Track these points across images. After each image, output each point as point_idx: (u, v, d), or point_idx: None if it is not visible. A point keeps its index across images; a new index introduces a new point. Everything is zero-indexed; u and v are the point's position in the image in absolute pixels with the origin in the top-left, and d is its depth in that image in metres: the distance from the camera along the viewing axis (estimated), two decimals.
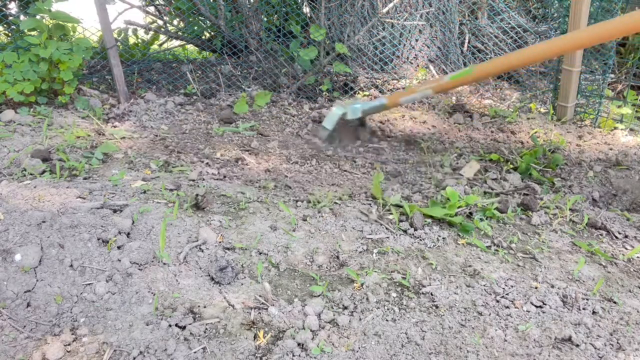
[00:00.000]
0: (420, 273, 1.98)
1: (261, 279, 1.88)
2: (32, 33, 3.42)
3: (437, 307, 1.80)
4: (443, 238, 2.24)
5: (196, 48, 5.54)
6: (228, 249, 2.01)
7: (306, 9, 5.00)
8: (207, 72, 4.44)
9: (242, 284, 1.83)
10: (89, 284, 1.74)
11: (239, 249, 2.01)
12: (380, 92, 4.27)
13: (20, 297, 1.65)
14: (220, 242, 2.03)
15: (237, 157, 2.96)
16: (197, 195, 2.26)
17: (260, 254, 2.01)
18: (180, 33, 5.06)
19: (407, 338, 1.64)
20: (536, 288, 1.92)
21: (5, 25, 4.40)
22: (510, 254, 2.17)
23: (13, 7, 4.48)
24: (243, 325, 1.64)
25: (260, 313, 1.70)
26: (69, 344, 1.52)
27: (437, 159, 3.10)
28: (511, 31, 4.83)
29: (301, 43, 4.50)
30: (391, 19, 4.41)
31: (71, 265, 1.79)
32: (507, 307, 1.81)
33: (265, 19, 4.93)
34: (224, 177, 2.67)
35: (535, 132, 3.45)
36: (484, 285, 1.92)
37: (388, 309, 1.76)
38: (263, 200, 2.42)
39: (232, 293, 1.78)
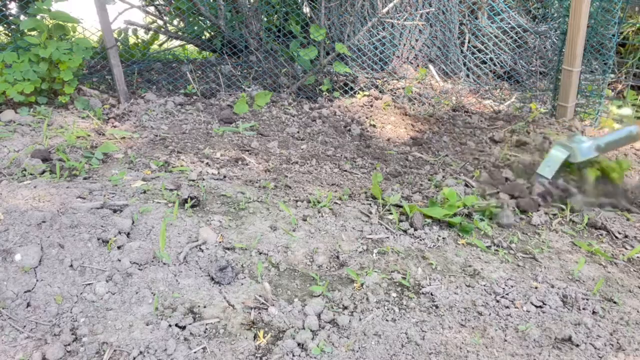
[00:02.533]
0: (420, 273, 1.98)
1: (261, 279, 1.87)
2: (32, 33, 3.42)
3: (437, 307, 1.80)
4: (443, 238, 2.24)
5: (196, 48, 5.54)
6: (228, 249, 2.01)
7: (306, 9, 5.00)
8: (207, 72, 4.44)
9: (242, 284, 1.83)
10: (89, 284, 1.74)
11: (239, 249, 2.01)
12: (380, 92, 4.27)
13: (20, 297, 1.65)
14: (220, 242, 2.03)
15: (237, 157, 2.95)
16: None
17: (260, 254, 2.01)
18: (180, 33, 5.07)
19: (407, 338, 1.64)
20: (536, 288, 1.92)
21: (5, 25, 4.40)
22: (510, 254, 2.17)
23: (13, 7, 4.48)
24: (243, 325, 1.64)
25: (260, 313, 1.70)
26: (69, 344, 1.52)
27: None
28: (511, 31, 4.83)
29: (301, 43, 4.50)
30: (391, 19, 4.41)
31: (71, 265, 1.79)
32: (507, 307, 1.81)
33: (265, 19, 4.93)
34: (224, 177, 2.67)
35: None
36: (484, 285, 1.92)
37: (388, 309, 1.76)
38: (263, 200, 2.42)
39: (232, 293, 1.78)
